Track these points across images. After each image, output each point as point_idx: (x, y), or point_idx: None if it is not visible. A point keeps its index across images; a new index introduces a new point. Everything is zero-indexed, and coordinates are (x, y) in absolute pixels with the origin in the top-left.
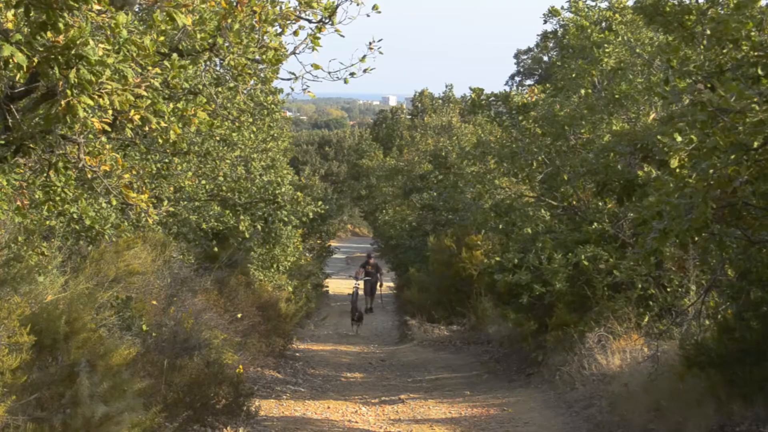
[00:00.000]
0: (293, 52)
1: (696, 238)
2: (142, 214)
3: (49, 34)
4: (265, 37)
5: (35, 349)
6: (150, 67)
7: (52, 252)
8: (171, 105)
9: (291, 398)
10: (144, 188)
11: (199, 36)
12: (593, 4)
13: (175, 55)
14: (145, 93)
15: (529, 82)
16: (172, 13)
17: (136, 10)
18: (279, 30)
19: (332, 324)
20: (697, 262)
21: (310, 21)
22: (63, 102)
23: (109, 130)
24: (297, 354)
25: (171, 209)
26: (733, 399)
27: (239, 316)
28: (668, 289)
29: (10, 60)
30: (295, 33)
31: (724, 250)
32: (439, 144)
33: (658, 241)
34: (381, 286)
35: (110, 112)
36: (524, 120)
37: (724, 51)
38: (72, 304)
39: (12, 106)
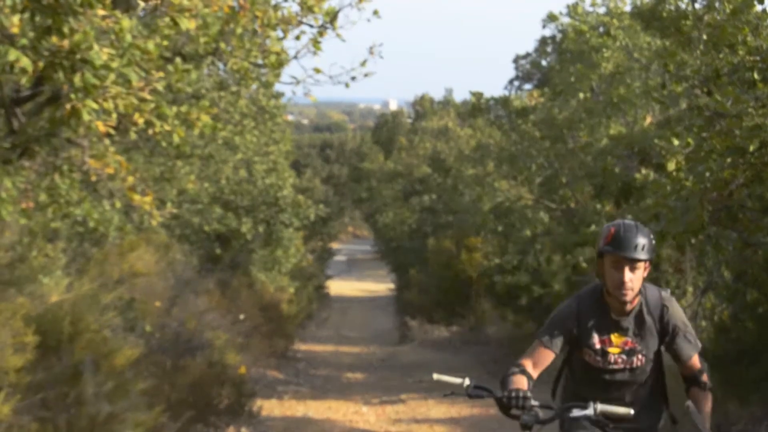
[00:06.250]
0: (295, 57)
1: (692, 240)
2: (146, 217)
3: (54, 38)
4: (267, 42)
5: (40, 350)
6: (154, 71)
7: (56, 254)
8: (174, 108)
9: (293, 398)
10: (147, 191)
11: (202, 40)
12: (591, 9)
13: (178, 60)
14: (149, 96)
15: (527, 86)
16: (176, 17)
17: (141, 14)
18: (281, 34)
19: (333, 325)
20: (694, 263)
21: (311, 26)
22: (68, 105)
23: (114, 133)
24: (299, 355)
25: (174, 211)
26: (730, 399)
27: (242, 317)
28: None
29: (16, 64)
30: (297, 37)
31: (720, 251)
32: (437, 147)
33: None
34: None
35: (114, 115)
36: (523, 123)
37: (721, 56)
38: (76, 305)
39: (17, 110)
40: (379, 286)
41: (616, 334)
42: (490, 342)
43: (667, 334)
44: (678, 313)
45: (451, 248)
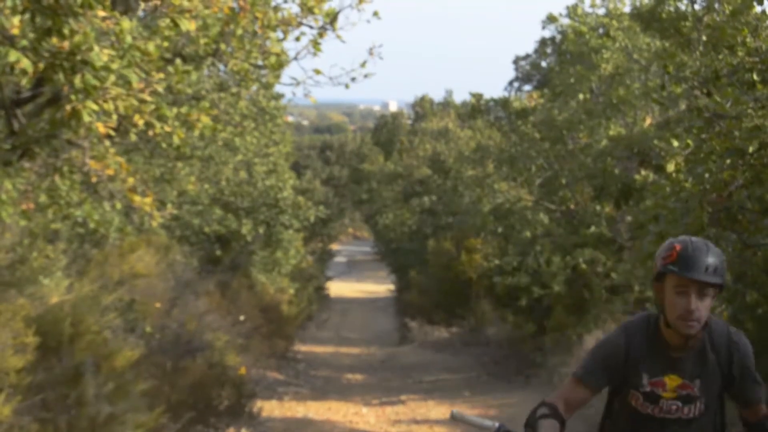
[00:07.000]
0: (295, 58)
1: None
2: (146, 218)
3: (54, 39)
4: (267, 43)
5: (40, 351)
6: (154, 73)
7: (57, 255)
8: (175, 110)
9: (293, 399)
10: (148, 192)
11: (202, 41)
12: (591, 10)
13: (178, 61)
14: (149, 98)
15: (527, 87)
16: (176, 18)
17: (141, 15)
18: (281, 36)
19: (333, 326)
20: None
21: (311, 27)
22: (68, 107)
23: (114, 134)
24: (299, 356)
25: (174, 212)
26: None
27: (242, 318)
28: None
29: (16, 65)
30: (297, 39)
31: None
32: (437, 149)
33: (654, 245)
34: None
35: (114, 116)
36: (523, 125)
37: (720, 57)
38: (77, 307)
39: (18, 111)
40: (379, 287)
41: (672, 376)
42: (490, 343)
43: (734, 379)
44: (748, 353)
45: (451, 249)
